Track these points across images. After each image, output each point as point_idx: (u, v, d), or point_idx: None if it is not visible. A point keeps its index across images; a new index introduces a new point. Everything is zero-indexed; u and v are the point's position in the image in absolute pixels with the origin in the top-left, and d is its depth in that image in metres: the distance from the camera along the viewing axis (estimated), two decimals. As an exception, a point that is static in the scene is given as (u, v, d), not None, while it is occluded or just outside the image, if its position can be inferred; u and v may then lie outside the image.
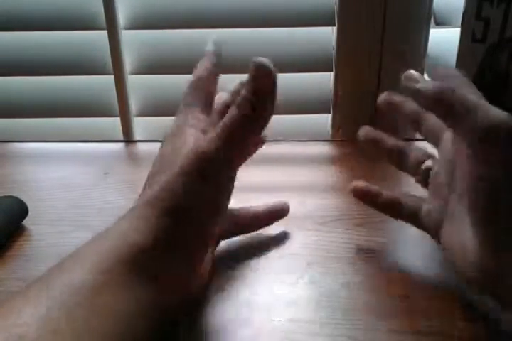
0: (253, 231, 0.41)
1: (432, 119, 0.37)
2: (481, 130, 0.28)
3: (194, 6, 0.54)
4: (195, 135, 0.35)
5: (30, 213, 0.44)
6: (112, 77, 0.56)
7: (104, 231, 0.30)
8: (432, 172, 0.37)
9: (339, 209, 0.44)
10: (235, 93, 0.40)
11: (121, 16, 0.54)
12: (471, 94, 0.31)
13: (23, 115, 0.60)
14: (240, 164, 0.32)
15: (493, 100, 0.50)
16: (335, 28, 0.54)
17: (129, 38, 0.55)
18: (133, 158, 0.57)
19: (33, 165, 0.54)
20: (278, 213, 0.41)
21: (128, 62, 0.56)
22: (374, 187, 0.39)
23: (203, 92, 0.39)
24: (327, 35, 0.55)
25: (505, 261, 0.29)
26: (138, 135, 0.60)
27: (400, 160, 0.39)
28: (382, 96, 0.40)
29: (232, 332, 0.32)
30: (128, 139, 0.59)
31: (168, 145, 0.35)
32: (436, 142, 0.37)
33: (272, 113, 0.32)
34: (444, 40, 0.54)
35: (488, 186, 0.29)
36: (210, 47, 0.41)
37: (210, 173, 0.30)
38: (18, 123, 0.61)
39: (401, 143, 0.40)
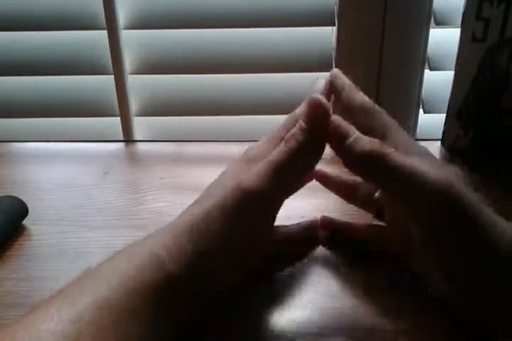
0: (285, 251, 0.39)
1: None
2: (424, 202, 0.29)
3: (194, 6, 0.54)
4: (243, 165, 0.33)
5: (30, 213, 0.44)
6: (112, 77, 0.56)
7: (136, 245, 0.29)
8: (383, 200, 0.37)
9: (339, 210, 0.44)
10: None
11: (121, 16, 0.54)
12: (404, 158, 0.29)
13: (23, 115, 0.60)
14: (284, 201, 0.31)
15: (493, 100, 0.50)
16: (335, 28, 0.54)
17: (129, 38, 0.55)
18: (133, 158, 0.57)
19: (33, 165, 0.54)
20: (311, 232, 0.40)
21: (128, 62, 0.56)
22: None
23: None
24: (327, 35, 0.55)
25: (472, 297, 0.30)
26: (138, 135, 0.60)
27: (350, 194, 0.40)
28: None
29: (233, 332, 0.32)
30: (128, 139, 0.59)
31: (233, 166, 0.34)
32: None
33: (322, 150, 0.31)
34: (444, 40, 0.54)
35: (434, 243, 0.30)
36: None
37: (251, 212, 0.30)
38: (18, 123, 0.61)
39: (348, 179, 0.39)
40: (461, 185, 0.29)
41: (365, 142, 0.30)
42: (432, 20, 0.52)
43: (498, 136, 0.52)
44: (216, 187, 0.32)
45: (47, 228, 0.43)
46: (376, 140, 0.30)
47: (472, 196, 0.29)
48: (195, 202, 0.33)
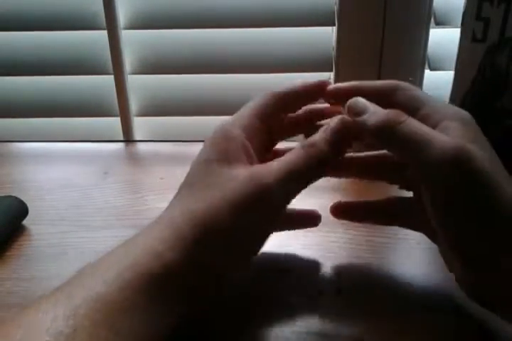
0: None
1: None
2: (434, 166, 0.27)
3: (194, 6, 0.54)
4: (248, 158, 0.31)
5: (30, 213, 0.44)
6: (112, 77, 0.56)
7: (131, 241, 0.29)
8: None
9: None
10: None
11: (121, 16, 0.54)
12: (418, 125, 0.29)
13: (23, 115, 0.60)
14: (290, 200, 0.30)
15: (493, 100, 0.50)
16: (335, 28, 0.54)
17: (129, 38, 0.55)
18: (133, 158, 0.57)
19: (33, 165, 0.54)
20: (309, 220, 0.39)
21: (128, 62, 0.56)
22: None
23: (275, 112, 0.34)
24: (327, 35, 0.55)
25: (486, 278, 0.28)
26: (138, 135, 0.60)
27: (378, 171, 0.37)
28: None
29: (233, 332, 0.32)
30: (128, 139, 0.59)
31: (212, 153, 0.31)
32: None
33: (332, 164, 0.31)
34: (444, 40, 0.54)
35: (448, 219, 0.28)
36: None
37: (266, 205, 0.29)
38: (18, 123, 0.61)
39: (372, 155, 0.37)
40: (475, 152, 0.27)
41: (380, 114, 0.29)
42: (432, 20, 0.52)
43: (498, 136, 0.52)
44: (209, 171, 0.30)
45: (47, 228, 0.43)
46: (392, 110, 0.29)
47: (488, 164, 0.27)
48: (184, 188, 0.31)
